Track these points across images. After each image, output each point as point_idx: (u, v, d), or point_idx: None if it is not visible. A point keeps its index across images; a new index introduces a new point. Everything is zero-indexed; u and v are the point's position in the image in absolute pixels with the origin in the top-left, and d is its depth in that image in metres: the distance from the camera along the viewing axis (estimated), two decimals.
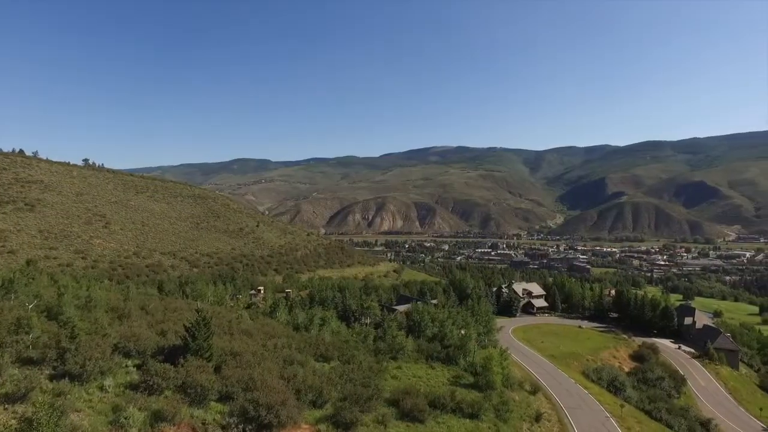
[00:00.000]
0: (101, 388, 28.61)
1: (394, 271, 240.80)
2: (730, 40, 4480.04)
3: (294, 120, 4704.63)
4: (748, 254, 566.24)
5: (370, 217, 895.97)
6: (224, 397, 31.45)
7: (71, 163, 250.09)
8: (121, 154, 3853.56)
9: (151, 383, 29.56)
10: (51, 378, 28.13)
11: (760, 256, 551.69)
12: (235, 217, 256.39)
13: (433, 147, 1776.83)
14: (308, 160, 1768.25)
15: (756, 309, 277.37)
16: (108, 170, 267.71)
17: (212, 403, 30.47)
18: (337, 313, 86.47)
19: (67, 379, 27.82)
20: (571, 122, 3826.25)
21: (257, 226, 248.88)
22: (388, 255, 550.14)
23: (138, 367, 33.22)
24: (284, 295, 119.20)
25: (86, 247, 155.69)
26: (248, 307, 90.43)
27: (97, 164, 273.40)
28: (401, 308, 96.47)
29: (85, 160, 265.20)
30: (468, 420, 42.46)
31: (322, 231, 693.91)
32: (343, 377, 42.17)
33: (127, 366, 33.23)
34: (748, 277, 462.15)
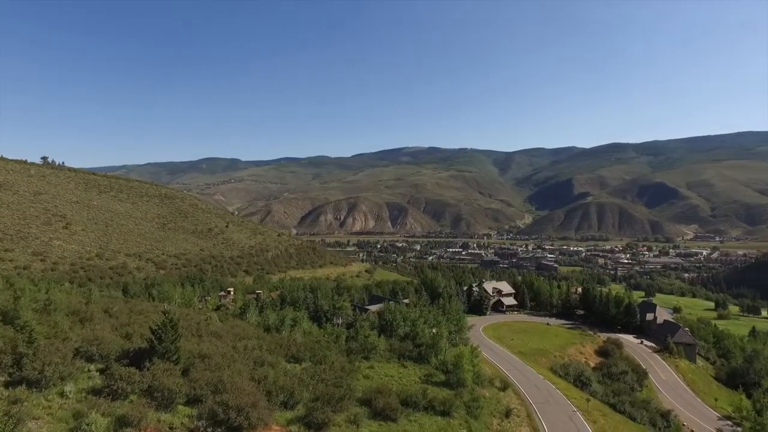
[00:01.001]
0: (61, 394, 27.57)
1: (366, 271, 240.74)
2: (686, 46, 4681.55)
3: (265, 119, 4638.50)
4: (704, 252, 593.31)
5: (342, 218, 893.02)
6: (192, 400, 30.80)
7: (29, 161, 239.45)
8: (83, 153, 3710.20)
9: (115, 388, 28.70)
10: (6, 385, 26.90)
11: (715, 254, 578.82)
12: (204, 217, 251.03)
13: (405, 147, 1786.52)
14: (279, 160, 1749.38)
15: (712, 304, 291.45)
16: (69, 169, 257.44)
17: (180, 407, 29.80)
18: (308, 313, 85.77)
19: (24, 385, 26.65)
20: (539, 124, 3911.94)
21: (227, 226, 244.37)
22: (360, 255, 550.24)
23: (101, 371, 32.23)
24: (255, 296, 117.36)
25: (45, 248, 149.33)
26: (217, 308, 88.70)
27: (57, 162, 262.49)
28: (373, 308, 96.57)
29: (44, 158, 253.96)
30: (440, 417, 42.88)
31: (294, 231, 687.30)
32: (314, 378, 41.95)
33: (89, 371, 32.17)
34: (704, 275, 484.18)
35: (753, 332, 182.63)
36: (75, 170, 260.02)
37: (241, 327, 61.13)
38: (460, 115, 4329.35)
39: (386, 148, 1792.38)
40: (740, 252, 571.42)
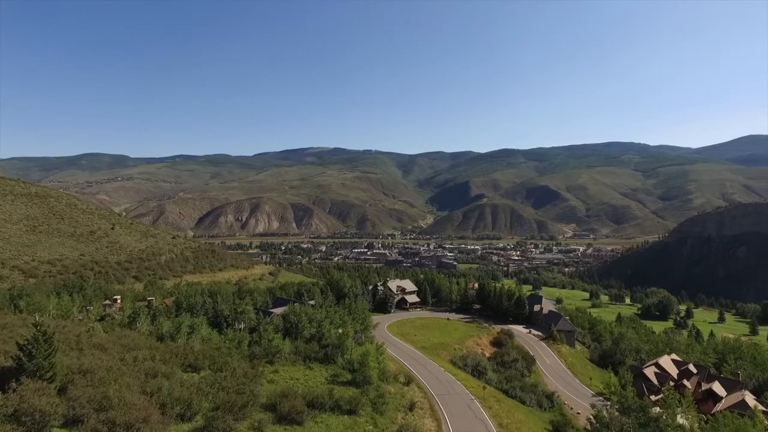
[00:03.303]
0: None
1: (270, 273, 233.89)
2: (563, 61, 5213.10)
3: (156, 113, 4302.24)
4: (581, 249, 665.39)
5: (244, 219, 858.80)
6: (72, 421, 27.78)
7: None
8: None
9: None
10: None
11: (589, 250, 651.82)
12: (85, 218, 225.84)
13: (309, 148, 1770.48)
14: (174, 158, 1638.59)
15: (587, 295, 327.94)
16: None
17: (55, 430, 26.66)
18: (208, 319, 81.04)
19: None
20: (439, 129, 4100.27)
21: (112, 228, 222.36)
22: (264, 257, 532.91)
23: None
24: (146, 303, 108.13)
25: None
26: (102, 319, 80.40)
27: None
28: (278, 311, 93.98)
29: None
30: (346, 416, 43.04)
31: (191, 234, 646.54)
32: (214, 386, 40.03)
33: None
34: (581, 268, 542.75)
35: (619, 318, 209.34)
36: None
37: (131, 337, 56.03)
38: (364, 116, 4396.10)
39: (290, 148, 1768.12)
40: (609, 248, 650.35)
